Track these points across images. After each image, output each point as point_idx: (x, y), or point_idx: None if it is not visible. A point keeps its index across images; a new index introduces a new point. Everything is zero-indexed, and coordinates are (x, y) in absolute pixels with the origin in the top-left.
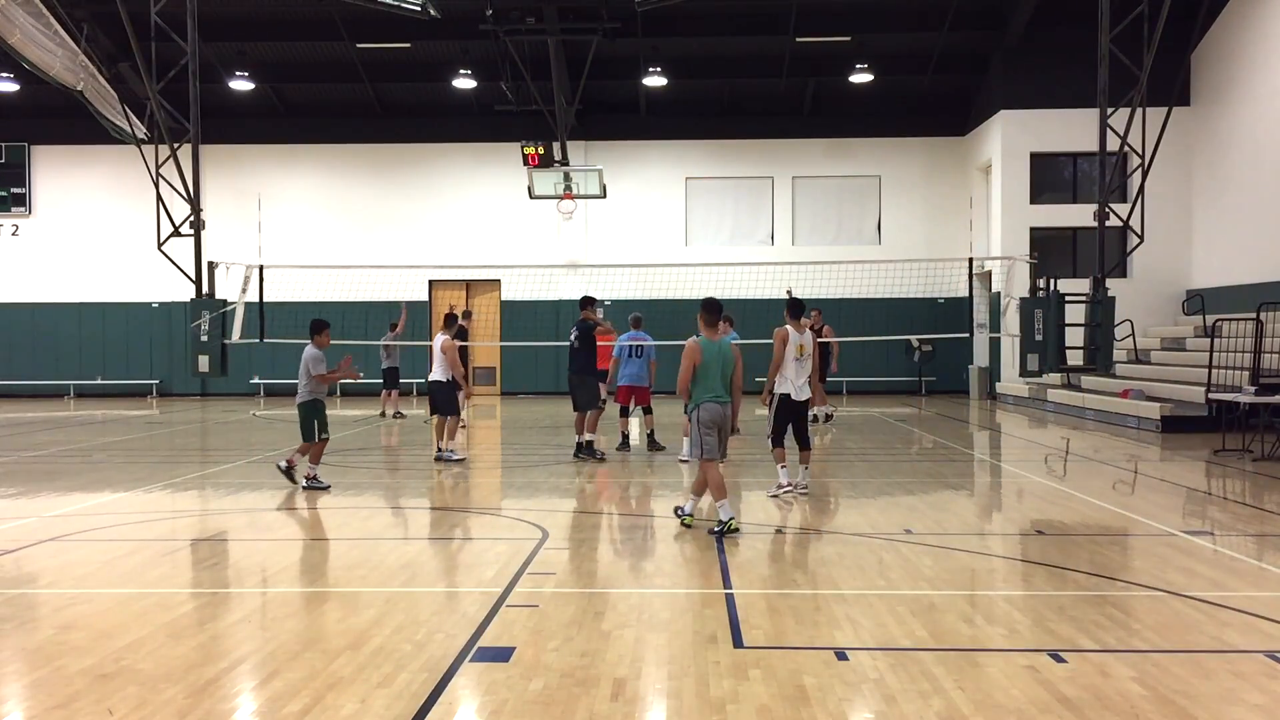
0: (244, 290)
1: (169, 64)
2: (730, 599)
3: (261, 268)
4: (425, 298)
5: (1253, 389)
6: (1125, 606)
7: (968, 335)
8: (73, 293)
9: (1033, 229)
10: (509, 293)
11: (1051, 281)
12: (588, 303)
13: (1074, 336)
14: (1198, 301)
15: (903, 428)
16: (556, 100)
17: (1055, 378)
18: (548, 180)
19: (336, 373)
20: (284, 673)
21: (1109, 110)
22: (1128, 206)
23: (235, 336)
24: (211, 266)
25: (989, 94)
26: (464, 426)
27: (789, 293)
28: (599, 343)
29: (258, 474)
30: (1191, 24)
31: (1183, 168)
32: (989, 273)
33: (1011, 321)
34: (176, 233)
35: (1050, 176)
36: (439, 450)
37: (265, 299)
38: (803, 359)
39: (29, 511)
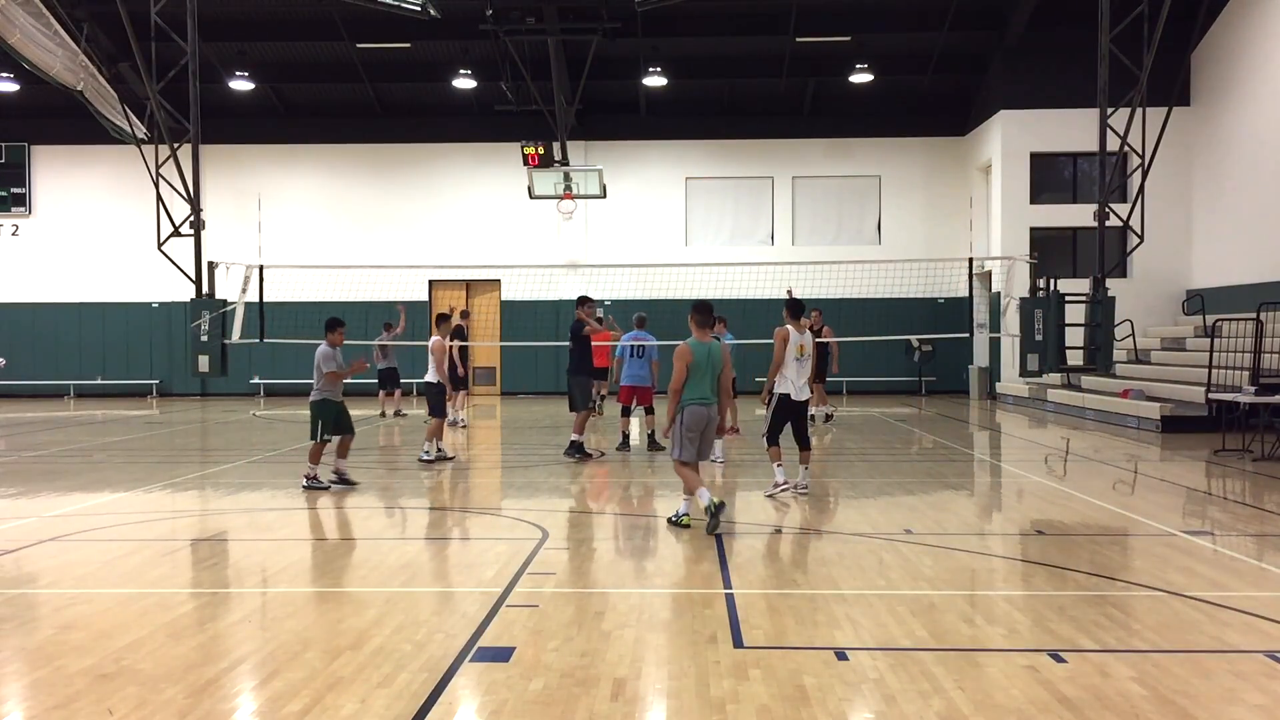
0: (244, 290)
1: (169, 64)
2: (730, 599)
3: (261, 268)
4: (425, 298)
5: (1253, 389)
6: (1125, 606)
7: (968, 335)
8: (73, 293)
9: (1033, 229)
10: (509, 293)
11: (1051, 281)
12: (582, 302)
13: (1074, 336)
14: (1197, 301)
15: (903, 428)
16: (556, 100)
17: (1055, 378)
18: (548, 180)
19: (347, 371)
20: (284, 673)
21: (1109, 110)
22: (1128, 206)
23: (235, 336)
24: (211, 266)
25: (989, 94)
26: (464, 426)
27: (789, 293)
28: (596, 342)
29: (257, 474)
30: (1191, 24)
31: (1183, 168)
32: (989, 273)
33: (1011, 321)
34: (176, 233)
35: (1050, 176)
36: (438, 450)
37: (265, 299)
38: (803, 359)
39: (29, 511)
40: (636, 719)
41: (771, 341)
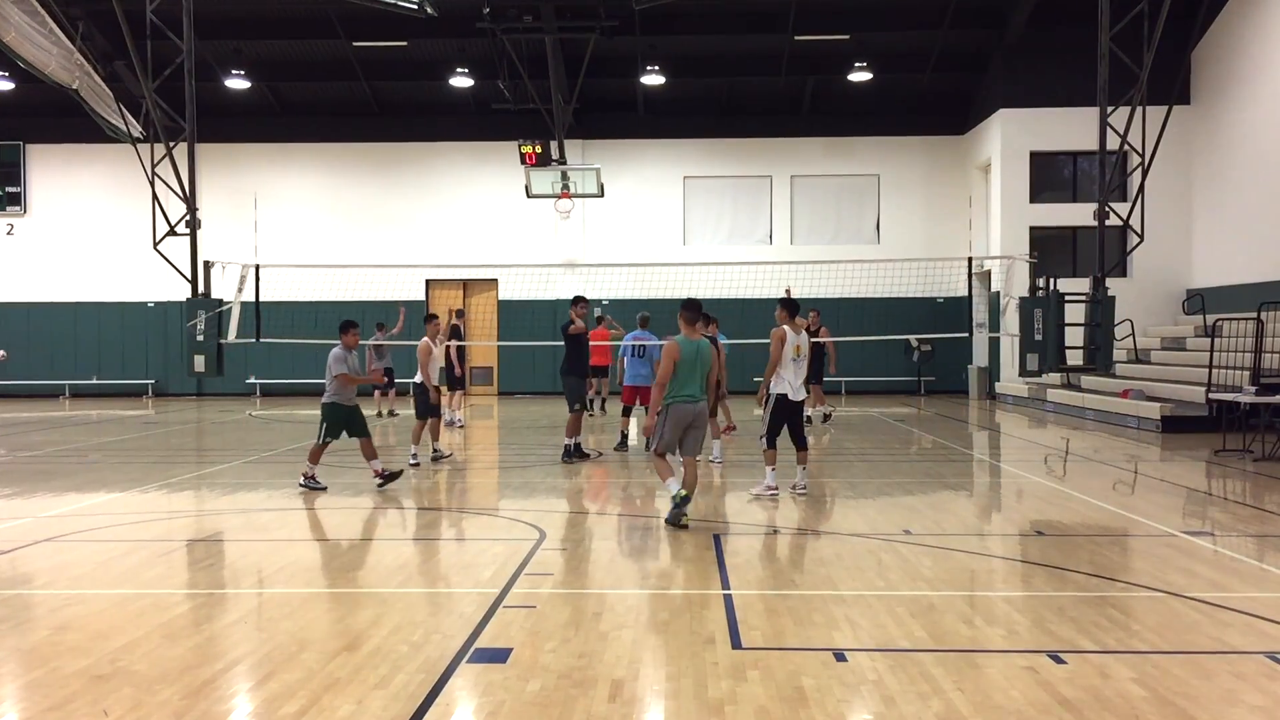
0: (240, 290)
1: (165, 62)
2: (728, 600)
3: (258, 267)
4: (422, 297)
5: (1253, 389)
6: (1125, 607)
7: (967, 335)
8: (68, 292)
9: (1032, 228)
10: (506, 292)
11: (1051, 281)
12: (576, 302)
13: (1074, 336)
14: (1198, 301)
15: (901, 428)
16: (554, 99)
17: (1055, 378)
18: (545, 179)
19: (360, 378)
20: (280, 674)
21: (1109, 109)
22: (1128, 205)
23: (231, 336)
24: (207, 266)
25: (988, 92)
26: (461, 426)
27: (787, 292)
28: (594, 341)
29: (254, 474)
30: (1192, 22)
31: (1183, 166)
32: (988, 272)
33: (1011, 321)
34: (172, 232)
35: (1050, 175)
36: (434, 450)
37: (261, 298)
38: (800, 359)
39: (24, 512)
40: None
41: (769, 341)
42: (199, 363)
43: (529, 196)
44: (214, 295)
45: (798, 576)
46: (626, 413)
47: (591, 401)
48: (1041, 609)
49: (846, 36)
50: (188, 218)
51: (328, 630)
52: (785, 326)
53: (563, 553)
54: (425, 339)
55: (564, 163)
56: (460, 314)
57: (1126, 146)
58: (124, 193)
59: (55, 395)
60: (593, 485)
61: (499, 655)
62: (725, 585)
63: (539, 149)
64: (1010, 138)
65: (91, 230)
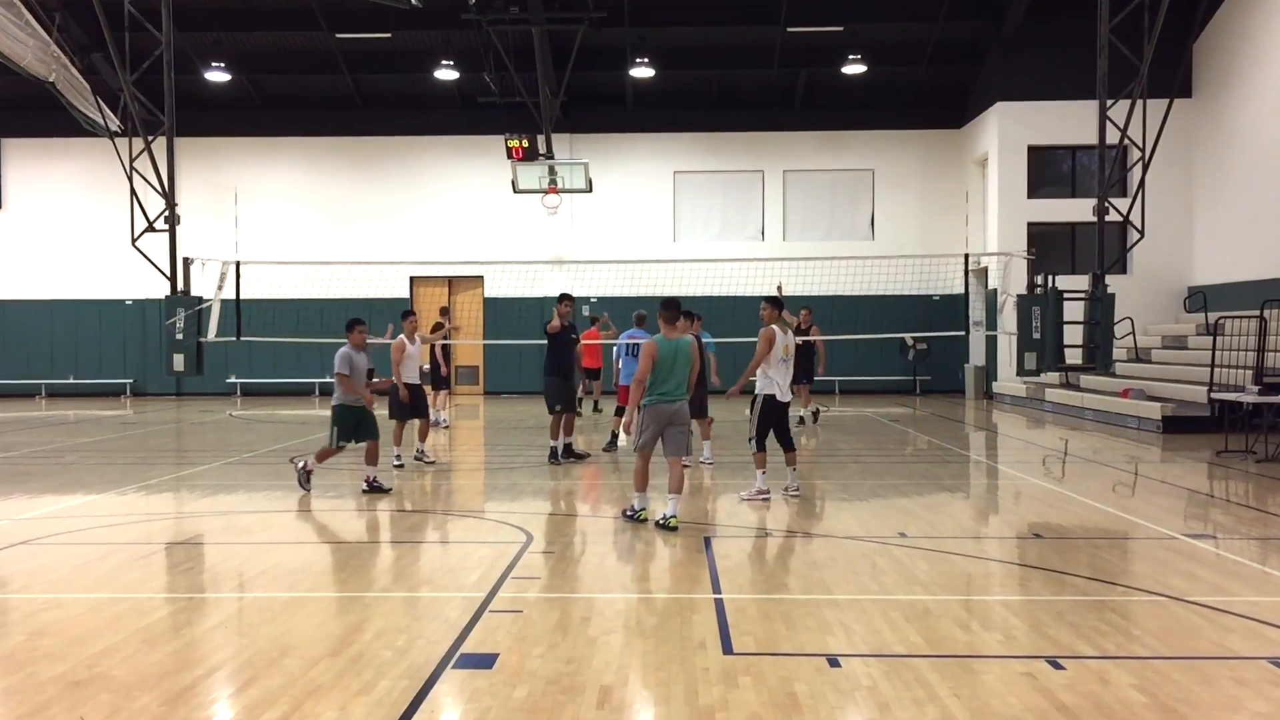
0: (220, 287)
1: (143, 54)
2: (719, 604)
3: (238, 264)
4: (406, 294)
5: (1256, 388)
6: (1125, 612)
7: (963, 333)
8: (44, 289)
9: (1030, 224)
10: (492, 289)
11: (1049, 278)
12: (562, 300)
13: (1072, 334)
14: (1200, 298)
15: (897, 428)
16: (541, 92)
17: (1053, 377)
18: (532, 174)
19: (359, 389)
20: (261, 680)
21: (1108, 102)
22: (1128, 201)
23: (211, 335)
24: (187, 263)
25: (985, 85)
26: (447, 427)
27: (779, 289)
28: (586, 341)
29: (234, 476)
30: (1193, 13)
31: (1184, 161)
32: (985, 269)
33: (1008, 319)
34: (151, 228)
35: (1048, 170)
36: (418, 451)
37: (242, 296)
38: (788, 359)
39: (0, 514)
40: None
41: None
42: (178, 362)
43: (515, 192)
44: (193, 293)
45: (790, 580)
46: (620, 412)
47: (581, 401)
48: (1040, 613)
49: (840, 28)
50: (167, 213)
51: (310, 635)
52: (774, 326)
53: (550, 556)
54: (400, 336)
55: (551, 157)
56: (444, 311)
57: (1126, 140)
58: (101, 188)
59: (31, 395)
60: (581, 487)
61: (485, 661)
62: (716, 589)
63: (526, 143)
64: (1008, 131)
65: (68, 226)
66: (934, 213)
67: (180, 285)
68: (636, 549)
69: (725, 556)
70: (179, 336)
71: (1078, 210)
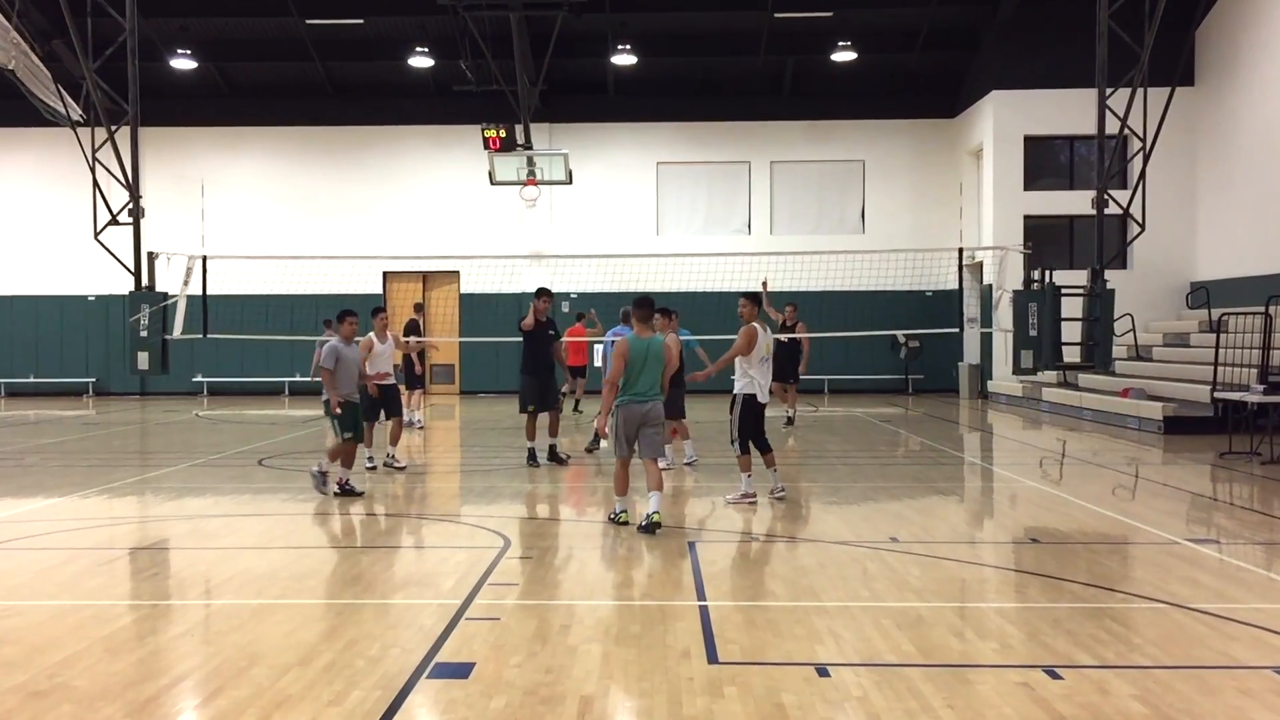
0: (186, 282)
1: (106, 41)
2: (704, 611)
3: (205, 258)
4: (379, 290)
5: (1261, 387)
6: (1125, 619)
7: (957, 330)
8: (3, 285)
9: (1027, 217)
10: (468, 285)
11: (1047, 273)
12: (539, 295)
13: (1071, 332)
14: (1203, 294)
15: (888, 429)
16: (519, 80)
17: (1051, 376)
18: (510, 165)
19: (329, 385)
20: (229, 690)
21: (1108, 90)
22: (1128, 193)
23: (177, 332)
24: (151, 257)
25: (980, 73)
26: (421, 427)
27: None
28: (568, 338)
29: (201, 478)
30: None
31: (1187, 151)
32: (980, 264)
33: (1004, 316)
34: (114, 221)
35: (1045, 161)
36: (389, 456)
37: (209, 292)
38: (769, 358)
39: None
40: None
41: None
42: (143, 360)
43: (493, 184)
44: (159, 288)
45: (777, 586)
46: None
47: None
48: (1036, 621)
49: (829, 13)
50: (130, 206)
51: (279, 644)
52: (755, 324)
53: (528, 561)
54: (370, 334)
55: (530, 148)
56: (419, 308)
57: (1127, 130)
58: (63, 179)
59: None
60: (561, 490)
61: (461, 670)
62: (701, 596)
63: (503, 133)
64: (1003, 121)
65: (28, 219)
66: (927, 205)
67: (144, 280)
68: (618, 554)
69: (710, 562)
70: (143, 334)
71: (1076, 203)
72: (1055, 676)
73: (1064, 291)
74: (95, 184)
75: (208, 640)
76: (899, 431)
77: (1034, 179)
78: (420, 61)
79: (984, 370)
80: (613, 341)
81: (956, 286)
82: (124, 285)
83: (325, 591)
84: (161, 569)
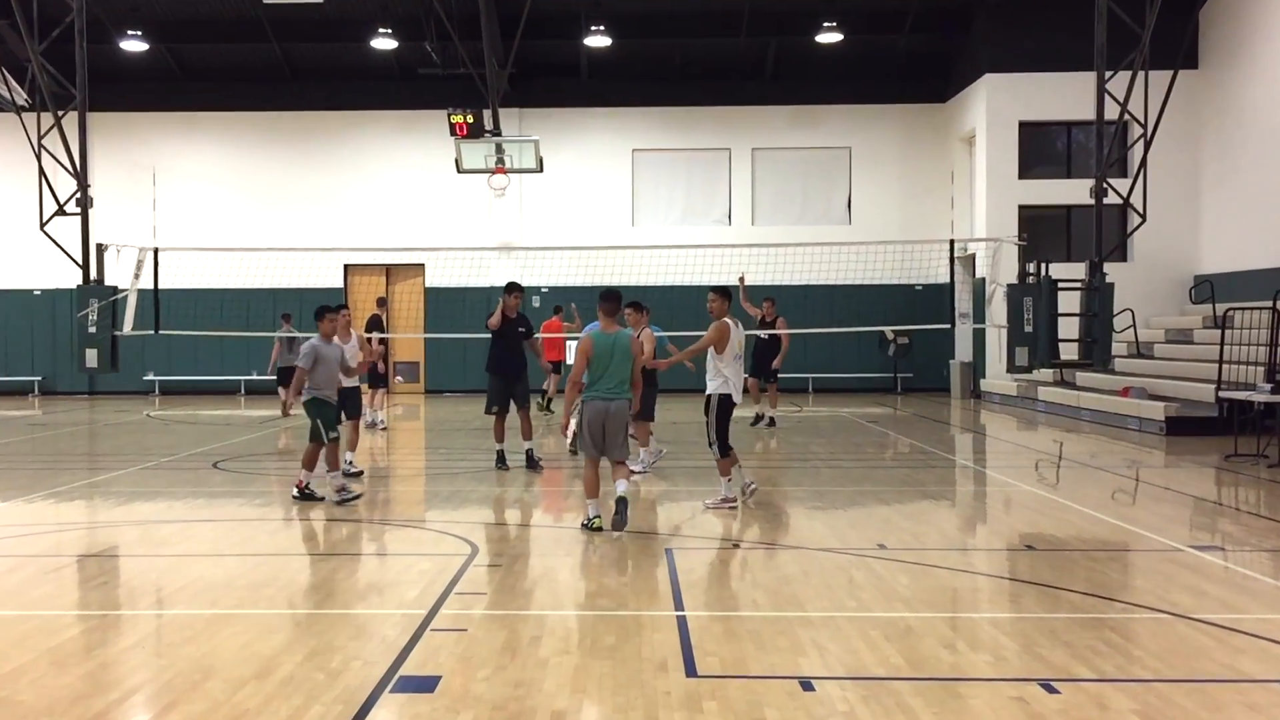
0: (137, 276)
1: (53, 22)
2: (682, 622)
3: (156, 250)
4: (340, 284)
5: (1268, 386)
6: (1125, 630)
7: (949, 326)
8: None
9: (1021, 207)
10: (434, 278)
11: (1043, 266)
12: (510, 290)
13: (1068, 328)
14: (1207, 288)
15: (876, 430)
16: (487, 63)
17: (1047, 374)
18: (477, 152)
19: (292, 382)
20: (182, 704)
21: (1107, 73)
22: (1128, 182)
23: (127, 328)
24: (100, 249)
25: (973, 55)
26: (384, 429)
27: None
28: (546, 334)
29: (153, 482)
30: None
31: (1190, 138)
32: (973, 256)
33: (998, 311)
34: (61, 211)
35: (1041, 148)
36: (347, 461)
37: (161, 285)
38: (741, 355)
39: None
40: None
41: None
42: (91, 357)
43: (459, 172)
44: (108, 282)
45: (759, 596)
46: None
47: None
48: (1032, 632)
49: None
50: (79, 195)
51: (235, 656)
52: (727, 319)
53: (497, 569)
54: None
55: (499, 134)
56: (382, 302)
57: (1127, 116)
58: (7, 168)
59: None
60: (531, 494)
61: (426, 684)
62: (679, 606)
63: (471, 119)
64: (997, 106)
65: None
66: (916, 195)
67: (93, 274)
68: (591, 561)
69: (688, 570)
70: (92, 330)
71: (1074, 192)
72: (1052, 691)
73: (1061, 285)
74: (41, 172)
75: (160, 652)
76: (887, 433)
77: (1029, 167)
78: (383, 43)
79: (976, 368)
80: None
81: (948, 280)
82: (71, 279)
83: (284, 601)
84: (111, 577)
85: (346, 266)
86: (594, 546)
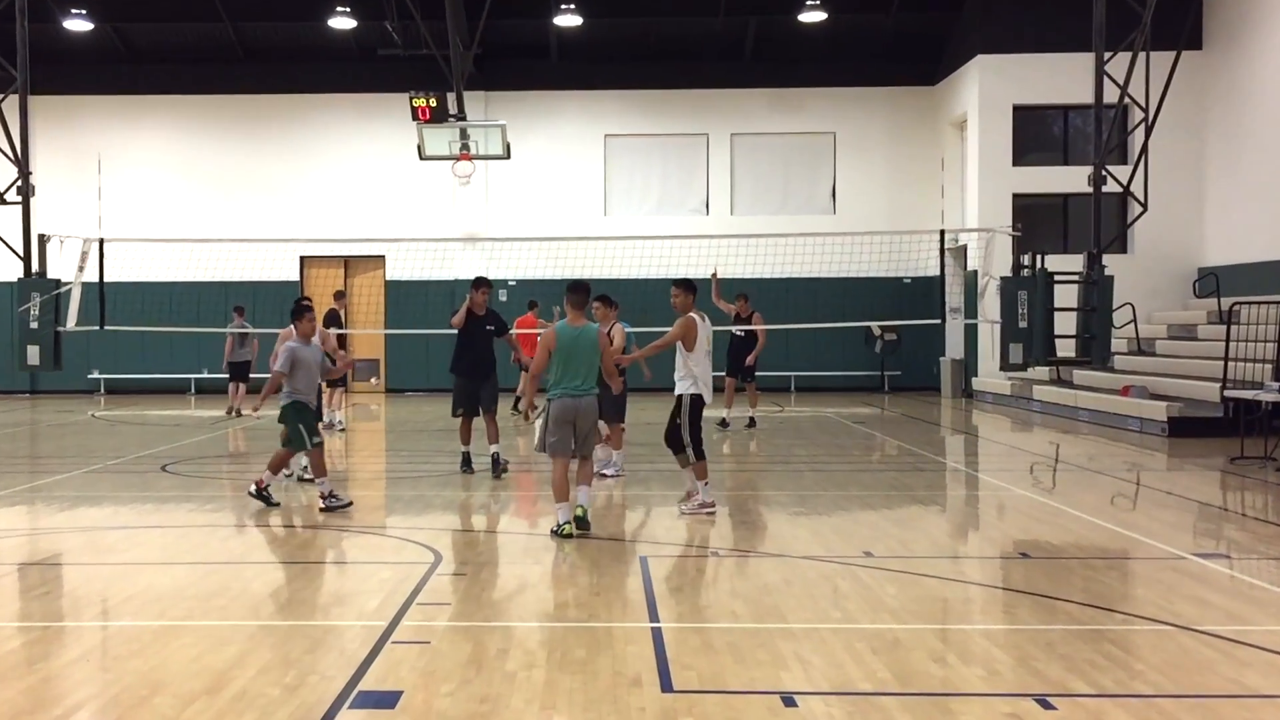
0: (81, 268)
1: None
2: (657, 634)
3: (102, 241)
4: (296, 276)
5: (1276, 385)
6: (1126, 643)
7: (939, 322)
8: None
9: (1016, 196)
10: (395, 271)
11: (1038, 258)
12: (477, 284)
13: (1065, 323)
14: (1211, 282)
15: (862, 431)
16: (451, 43)
17: (1042, 372)
18: (441, 138)
19: (271, 382)
20: None
21: (1106, 55)
22: (1128, 169)
23: (71, 323)
24: (42, 240)
25: (964, 35)
26: (342, 430)
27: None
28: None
29: (98, 486)
30: None
31: (1193, 123)
32: (964, 247)
33: (991, 305)
34: (1, 200)
35: (1037, 133)
36: (303, 466)
37: (106, 278)
38: (710, 351)
39: None
40: None
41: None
42: (32, 354)
43: (422, 159)
44: (51, 275)
45: (738, 606)
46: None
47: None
48: (1027, 645)
49: None
50: (19, 183)
51: (184, 670)
52: (693, 314)
53: (461, 579)
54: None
55: (463, 118)
56: (341, 295)
57: (1127, 99)
58: None
59: None
60: (497, 499)
61: (387, 699)
62: (653, 617)
63: (434, 102)
64: (990, 89)
65: None
66: (905, 182)
67: (35, 266)
68: (561, 570)
69: (663, 579)
70: (34, 325)
71: (1071, 179)
72: (1048, 706)
73: (1057, 278)
74: None
75: (105, 666)
76: (874, 434)
77: (1024, 153)
78: (341, 22)
79: (968, 366)
80: None
81: (938, 273)
82: (12, 271)
83: (236, 612)
84: (54, 587)
85: (303, 258)
86: (564, 554)
